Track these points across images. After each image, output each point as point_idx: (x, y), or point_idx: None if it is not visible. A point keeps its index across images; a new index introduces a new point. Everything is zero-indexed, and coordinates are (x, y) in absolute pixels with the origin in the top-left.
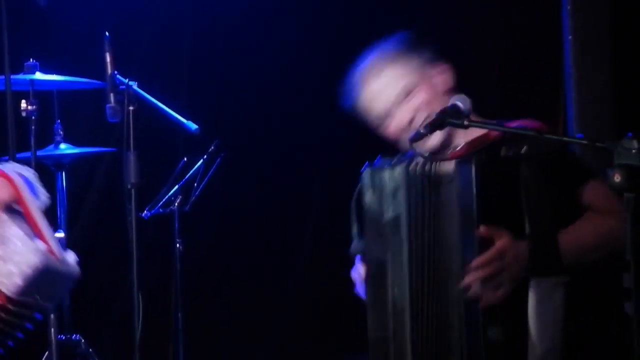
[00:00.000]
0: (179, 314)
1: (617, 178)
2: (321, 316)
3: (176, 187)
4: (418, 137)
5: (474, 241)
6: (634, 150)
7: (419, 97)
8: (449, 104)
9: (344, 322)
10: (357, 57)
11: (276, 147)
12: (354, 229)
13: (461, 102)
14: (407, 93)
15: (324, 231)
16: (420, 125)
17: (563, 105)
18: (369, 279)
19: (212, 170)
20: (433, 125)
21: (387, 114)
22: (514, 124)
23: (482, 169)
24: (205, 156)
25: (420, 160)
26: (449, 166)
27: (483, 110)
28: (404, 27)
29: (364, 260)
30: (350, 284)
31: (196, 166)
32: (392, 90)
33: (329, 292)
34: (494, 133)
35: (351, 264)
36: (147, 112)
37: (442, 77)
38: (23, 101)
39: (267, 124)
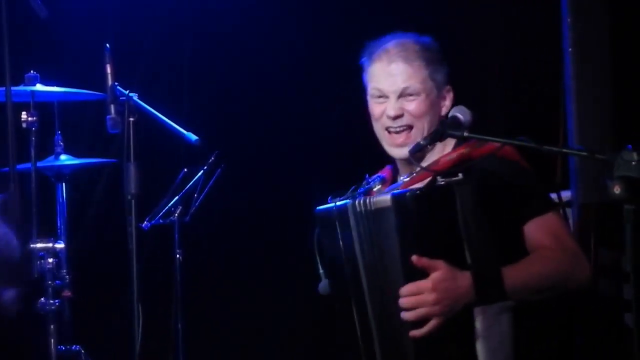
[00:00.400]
0: (179, 325)
1: (617, 190)
2: (324, 322)
3: (176, 198)
4: (418, 148)
5: (414, 272)
6: (633, 162)
7: (413, 105)
8: (450, 114)
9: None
10: (353, 72)
11: (276, 158)
12: (319, 269)
13: (461, 114)
14: (408, 94)
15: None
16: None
17: (563, 117)
18: (338, 315)
19: (212, 181)
20: (433, 137)
21: (381, 96)
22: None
23: (416, 200)
24: (205, 167)
25: (361, 196)
26: (385, 199)
27: (485, 123)
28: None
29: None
30: None
31: (196, 177)
32: (398, 82)
33: (327, 305)
34: (445, 161)
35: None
36: (148, 124)
37: (445, 102)
38: (23, 112)
39: (267, 135)
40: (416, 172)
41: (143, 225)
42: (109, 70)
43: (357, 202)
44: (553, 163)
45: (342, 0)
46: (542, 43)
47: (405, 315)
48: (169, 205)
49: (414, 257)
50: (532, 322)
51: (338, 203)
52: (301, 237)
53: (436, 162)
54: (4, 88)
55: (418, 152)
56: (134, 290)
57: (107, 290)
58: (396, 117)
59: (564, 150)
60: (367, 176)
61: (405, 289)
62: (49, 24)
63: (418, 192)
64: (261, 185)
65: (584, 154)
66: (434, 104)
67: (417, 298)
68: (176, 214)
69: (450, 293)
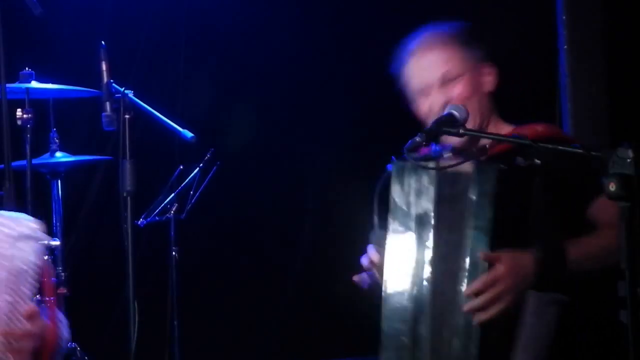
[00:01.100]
0: (175, 322)
1: (612, 187)
2: (319, 322)
3: (172, 195)
4: (413, 145)
5: (485, 245)
6: (628, 160)
7: (458, 88)
8: (445, 112)
9: (342, 326)
10: (351, 73)
11: (271, 155)
12: (375, 219)
13: (457, 111)
14: (449, 79)
15: (320, 237)
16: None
17: (558, 115)
18: (387, 265)
19: (208, 178)
20: (428, 134)
21: (423, 93)
22: (525, 128)
23: (500, 176)
24: (201, 164)
25: (448, 159)
26: (468, 168)
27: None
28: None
29: (384, 248)
30: (349, 287)
31: (192, 174)
32: (435, 71)
33: (326, 297)
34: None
35: (356, 261)
36: (143, 121)
37: (487, 77)
38: (19, 110)
39: (262, 132)
40: (489, 145)
41: (139, 222)
42: (104, 67)
43: (443, 163)
44: None
45: (343, 12)
46: (537, 41)
47: (480, 317)
48: (165, 202)
49: (482, 254)
50: (578, 325)
51: (418, 161)
52: (297, 235)
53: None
54: None
55: (413, 150)
56: (129, 288)
57: (102, 287)
58: (445, 106)
59: (559, 147)
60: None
61: (479, 283)
62: (43, 21)
63: (504, 169)
64: (257, 182)
65: (579, 151)
66: (477, 83)
67: (492, 294)
68: (172, 211)
69: (519, 277)
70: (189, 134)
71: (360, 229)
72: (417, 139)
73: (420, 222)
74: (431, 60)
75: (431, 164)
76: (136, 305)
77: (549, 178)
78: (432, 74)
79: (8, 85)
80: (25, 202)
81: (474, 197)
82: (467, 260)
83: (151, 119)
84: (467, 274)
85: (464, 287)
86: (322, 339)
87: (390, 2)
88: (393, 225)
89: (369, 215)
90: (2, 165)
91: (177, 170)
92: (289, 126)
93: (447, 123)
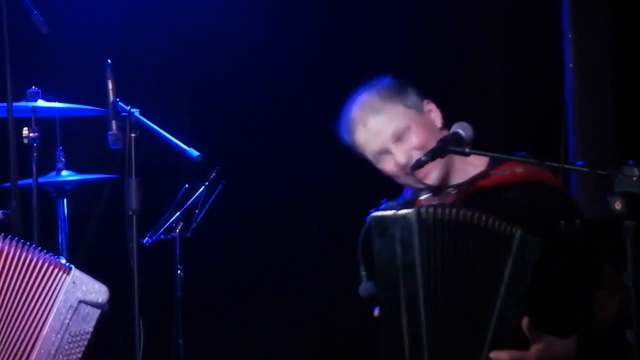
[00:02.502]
0: (180, 341)
1: (618, 205)
2: (324, 341)
3: (177, 213)
4: (419, 164)
5: (518, 314)
6: (634, 178)
7: (414, 138)
8: (451, 131)
9: (349, 344)
10: (354, 89)
11: (277, 174)
12: (362, 272)
13: (462, 129)
14: (401, 133)
15: (325, 257)
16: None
17: (564, 133)
18: (384, 319)
19: (213, 197)
20: (434, 153)
21: (383, 152)
22: (504, 166)
23: (545, 243)
24: (206, 183)
25: (432, 205)
26: (510, 228)
27: (486, 138)
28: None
29: (377, 301)
30: (353, 308)
31: (197, 193)
32: (385, 132)
33: (331, 316)
34: (497, 178)
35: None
36: (149, 139)
37: (432, 114)
38: (25, 128)
39: (268, 151)
40: (465, 186)
41: (144, 241)
42: (110, 86)
43: (427, 210)
44: None
45: (345, 25)
46: (543, 59)
47: None
48: (170, 221)
49: (525, 322)
50: None
51: (400, 208)
52: (303, 253)
53: (483, 177)
54: (5, 104)
55: (419, 168)
56: (135, 306)
57: (108, 305)
58: (408, 160)
59: (565, 166)
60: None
61: (509, 355)
62: (50, 40)
63: (550, 233)
64: (262, 201)
65: (585, 169)
66: (426, 125)
67: None
68: (177, 230)
69: None
70: (195, 153)
71: (356, 273)
72: (423, 158)
73: (408, 270)
74: (377, 123)
75: (411, 213)
76: (141, 323)
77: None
78: (383, 135)
79: (15, 103)
80: (31, 220)
81: (508, 262)
82: (493, 320)
83: (157, 137)
84: (490, 335)
85: (485, 345)
86: (329, 358)
87: (397, 21)
88: (380, 277)
89: (356, 269)
90: (9, 184)
91: (183, 189)
92: (294, 144)
93: (453, 142)
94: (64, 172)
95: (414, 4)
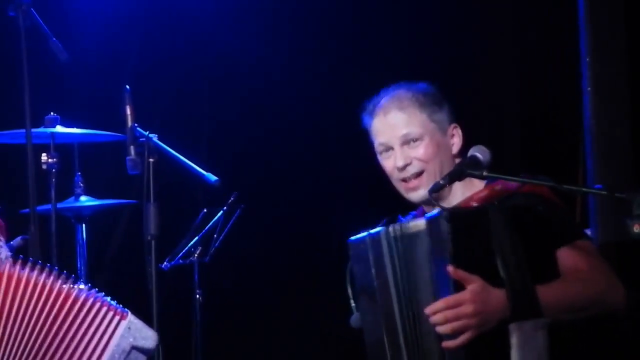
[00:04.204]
0: None
1: (637, 229)
2: None
3: (196, 238)
4: (437, 188)
5: (449, 288)
6: None
7: (419, 150)
8: (469, 154)
9: None
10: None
11: (295, 198)
12: (352, 302)
13: (480, 153)
14: (410, 140)
15: (344, 282)
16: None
17: (582, 157)
18: (369, 345)
19: (231, 221)
20: (452, 176)
21: (388, 148)
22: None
23: (452, 221)
24: (225, 208)
25: (395, 224)
26: (419, 222)
27: (504, 162)
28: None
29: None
30: None
31: (216, 217)
32: (398, 130)
33: (350, 342)
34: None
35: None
36: (167, 164)
37: (453, 139)
38: (44, 154)
39: (286, 176)
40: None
41: (163, 265)
42: (128, 111)
43: (390, 228)
44: (573, 202)
45: (364, 43)
46: (561, 82)
47: (442, 329)
48: (189, 245)
49: (450, 268)
50: (568, 341)
51: (371, 231)
52: (321, 278)
53: (467, 200)
54: (24, 130)
55: (437, 192)
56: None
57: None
58: (405, 166)
59: (584, 189)
60: (399, 217)
61: (443, 302)
62: (68, 66)
63: (452, 211)
64: (281, 225)
65: (604, 192)
66: (440, 145)
67: (454, 311)
68: (196, 255)
69: (487, 306)
70: (213, 178)
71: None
72: (441, 181)
73: (383, 290)
74: (396, 119)
75: (381, 231)
76: (161, 348)
77: (507, 218)
78: (396, 132)
79: (33, 130)
80: (50, 246)
81: (431, 244)
82: (434, 298)
83: (175, 162)
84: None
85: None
86: None
87: (415, 42)
88: (362, 302)
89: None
90: (28, 210)
91: (201, 214)
92: (312, 170)
93: (471, 165)
94: (83, 198)
95: (431, 28)
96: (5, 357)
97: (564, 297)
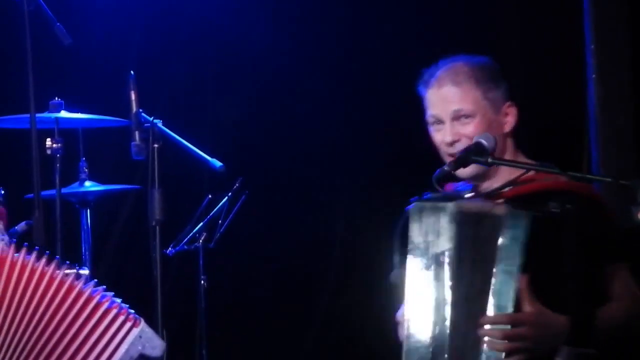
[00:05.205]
0: (203, 351)
1: None
2: (347, 351)
3: (201, 224)
4: (442, 174)
5: (513, 291)
6: None
7: (469, 127)
8: (473, 141)
9: (370, 354)
10: (376, 97)
11: (300, 184)
12: (396, 259)
13: (485, 140)
14: (461, 116)
15: (348, 267)
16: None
17: (587, 144)
18: (408, 305)
19: (236, 207)
20: (457, 163)
21: (439, 121)
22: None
23: (535, 222)
24: (229, 193)
25: (470, 199)
26: (502, 211)
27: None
28: None
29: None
30: (376, 318)
31: (221, 203)
32: (450, 105)
33: (354, 327)
34: (539, 184)
35: (387, 292)
36: (172, 150)
37: (507, 118)
38: (48, 139)
39: (291, 162)
40: (508, 187)
41: (167, 251)
42: (133, 97)
43: (466, 202)
44: None
45: (369, 34)
46: (566, 70)
47: (497, 346)
48: (194, 231)
49: (524, 278)
50: None
51: (441, 200)
52: (325, 263)
53: (515, 183)
54: (28, 115)
55: (441, 179)
56: (158, 316)
57: None
58: (454, 142)
59: (588, 176)
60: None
61: (506, 317)
62: (73, 51)
63: (538, 214)
64: (285, 211)
65: (608, 180)
66: (492, 124)
67: (515, 331)
68: (200, 240)
69: (547, 332)
70: (218, 163)
71: (389, 261)
72: (446, 168)
73: (439, 261)
74: (449, 94)
75: (451, 204)
76: (165, 334)
77: (581, 228)
78: (447, 107)
79: (38, 114)
80: (54, 231)
81: (504, 241)
82: (492, 302)
83: (180, 148)
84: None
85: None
86: None
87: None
88: (411, 265)
89: (390, 256)
90: (32, 195)
91: (206, 200)
92: (317, 155)
93: (476, 152)
94: (87, 183)
95: (437, 20)
96: (6, 346)
97: (610, 326)
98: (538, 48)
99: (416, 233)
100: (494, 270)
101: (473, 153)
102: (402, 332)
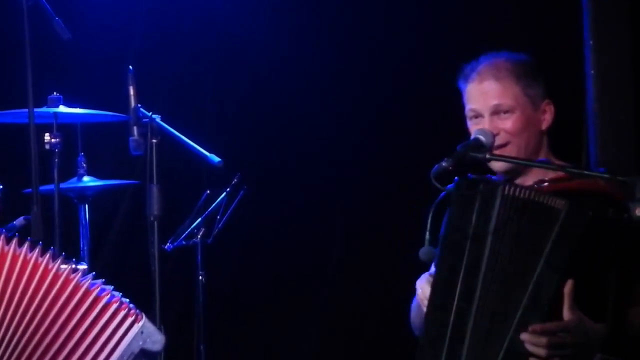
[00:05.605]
0: (202, 346)
1: (639, 212)
2: (347, 346)
3: (199, 219)
4: (440, 170)
5: (554, 286)
6: None
7: (508, 123)
8: (472, 137)
9: (371, 349)
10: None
11: (298, 179)
12: (427, 235)
13: (483, 135)
14: (501, 111)
15: (347, 263)
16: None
17: (585, 140)
18: (436, 283)
19: (234, 203)
20: (455, 159)
21: (478, 115)
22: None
23: (591, 223)
24: (228, 189)
25: (516, 185)
26: (559, 202)
27: None
28: None
29: (435, 265)
30: (376, 312)
31: (219, 199)
32: (490, 100)
33: (354, 321)
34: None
35: (412, 269)
36: (170, 145)
37: (544, 116)
38: (47, 134)
39: (289, 157)
40: (548, 182)
41: (166, 246)
42: (132, 92)
43: (511, 187)
44: None
45: (371, 29)
46: (564, 66)
47: (534, 350)
48: (192, 226)
49: (569, 283)
50: None
51: (485, 184)
52: (324, 259)
53: (552, 180)
54: (27, 110)
55: (439, 175)
56: (156, 312)
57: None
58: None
59: (586, 172)
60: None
61: (553, 326)
62: (72, 46)
63: (597, 215)
64: (283, 206)
65: (606, 176)
66: (530, 120)
67: (558, 338)
68: (199, 236)
69: (586, 339)
70: (216, 159)
71: (391, 254)
72: (444, 164)
73: (480, 241)
74: (489, 88)
75: (501, 187)
76: (163, 329)
77: (630, 237)
78: (487, 101)
79: (36, 109)
80: (52, 226)
81: (556, 235)
82: (529, 291)
83: (178, 143)
84: (524, 304)
85: (517, 316)
86: None
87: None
88: (447, 240)
89: (420, 232)
90: (30, 189)
91: (204, 195)
92: (316, 151)
93: (474, 148)
94: (86, 178)
95: (437, 15)
96: (6, 340)
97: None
98: (536, 43)
99: (454, 212)
100: (541, 261)
101: (471, 149)
102: (424, 298)
